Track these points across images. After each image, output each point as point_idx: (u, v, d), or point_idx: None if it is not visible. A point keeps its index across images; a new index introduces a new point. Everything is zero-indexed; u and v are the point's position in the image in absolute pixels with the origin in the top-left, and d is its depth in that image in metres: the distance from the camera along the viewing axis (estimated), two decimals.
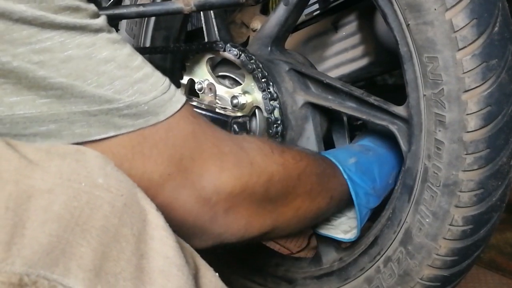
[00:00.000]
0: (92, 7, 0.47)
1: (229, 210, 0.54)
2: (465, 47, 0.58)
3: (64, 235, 0.35)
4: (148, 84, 0.48)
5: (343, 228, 0.77)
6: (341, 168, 0.71)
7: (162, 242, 0.40)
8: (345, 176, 0.71)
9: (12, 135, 0.42)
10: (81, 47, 0.44)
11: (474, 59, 0.58)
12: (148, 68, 0.49)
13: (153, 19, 1.02)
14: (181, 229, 0.50)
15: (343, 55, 1.02)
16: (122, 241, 0.38)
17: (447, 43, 0.59)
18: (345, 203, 0.74)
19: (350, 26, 1.00)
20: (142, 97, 0.47)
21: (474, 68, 0.58)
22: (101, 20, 0.47)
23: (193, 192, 0.50)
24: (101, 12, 0.72)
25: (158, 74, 0.50)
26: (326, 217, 0.76)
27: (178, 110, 0.50)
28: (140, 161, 0.46)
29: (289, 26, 0.86)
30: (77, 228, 0.36)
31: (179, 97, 0.51)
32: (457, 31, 0.58)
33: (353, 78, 1.00)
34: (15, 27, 0.41)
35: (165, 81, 0.50)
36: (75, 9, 0.44)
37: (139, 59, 0.49)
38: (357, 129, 1.00)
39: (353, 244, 0.81)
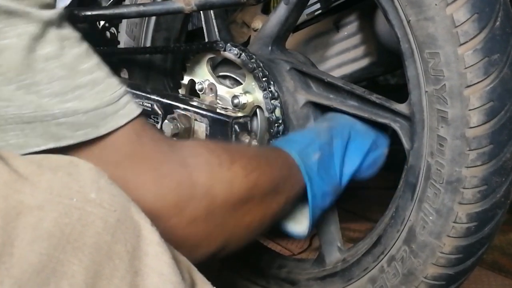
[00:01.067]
0: None
1: (167, 239, 0.50)
2: (466, 42, 0.58)
3: (55, 254, 0.34)
4: (92, 92, 0.44)
5: (296, 216, 0.73)
6: (302, 168, 0.68)
7: (157, 258, 0.39)
8: (306, 178, 0.68)
9: None
10: (23, 37, 0.41)
11: (475, 54, 0.58)
12: (100, 73, 0.46)
13: (153, 20, 1.03)
14: None
15: (344, 55, 1.02)
16: (116, 258, 0.37)
17: (448, 39, 0.59)
18: (301, 197, 0.71)
19: (352, 25, 1.01)
20: (82, 105, 0.43)
21: (476, 63, 0.58)
22: (52, 13, 0.43)
23: None
24: (100, 12, 0.74)
25: (111, 82, 0.46)
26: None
27: (122, 126, 0.46)
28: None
29: (290, 25, 0.87)
30: (68, 246, 0.35)
31: (129, 110, 0.47)
32: (458, 26, 0.58)
33: (355, 78, 1.01)
34: None
35: (118, 91, 0.46)
36: None
37: (91, 62, 0.45)
38: None
39: (356, 244, 0.81)
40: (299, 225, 0.74)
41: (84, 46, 0.46)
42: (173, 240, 0.50)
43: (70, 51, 0.44)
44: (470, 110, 0.60)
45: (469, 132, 0.60)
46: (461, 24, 0.58)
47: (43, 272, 0.33)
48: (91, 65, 0.45)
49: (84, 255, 0.35)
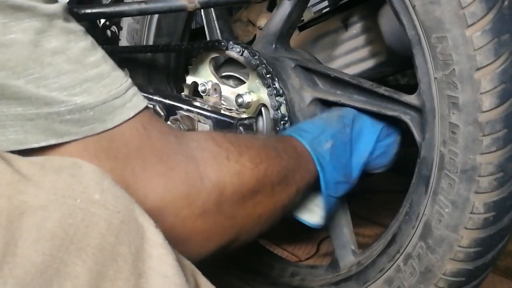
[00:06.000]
0: None
1: (179, 232, 0.52)
2: (474, 23, 0.58)
3: (58, 254, 0.35)
4: (99, 85, 0.46)
5: (310, 206, 0.75)
6: (314, 157, 0.70)
7: (161, 260, 0.40)
8: (318, 168, 0.70)
9: None
10: (28, 32, 0.42)
11: (484, 35, 0.59)
12: (106, 66, 0.47)
13: (154, 25, 1.05)
14: None
15: (353, 54, 1.03)
16: (119, 260, 0.37)
17: (456, 21, 0.60)
18: (313, 186, 0.72)
19: (361, 24, 1.02)
20: (90, 99, 0.45)
21: (485, 44, 0.58)
22: (56, 6, 0.45)
23: None
24: (101, 10, 0.76)
25: (117, 75, 0.48)
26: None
27: (129, 119, 0.48)
28: None
29: (293, 22, 0.88)
30: (71, 247, 0.36)
31: (136, 103, 0.49)
32: (465, 7, 0.58)
33: (364, 78, 1.01)
34: None
35: (123, 84, 0.48)
36: None
37: (97, 55, 0.47)
38: None
39: (370, 245, 0.81)
40: (314, 215, 0.76)
41: (90, 39, 0.48)
42: (184, 233, 0.52)
43: (76, 44, 0.45)
44: (481, 93, 0.60)
45: (481, 116, 0.60)
46: (468, 5, 0.58)
47: (46, 273, 0.34)
48: (97, 58, 0.47)
49: (87, 256, 0.36)
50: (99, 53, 0.48)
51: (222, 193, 0.55)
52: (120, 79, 0.48)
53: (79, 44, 0.46)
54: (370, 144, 0.79)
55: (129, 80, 0.49)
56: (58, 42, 0.44)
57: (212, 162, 0.55)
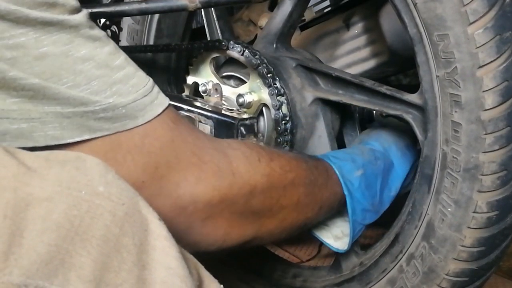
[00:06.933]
0: (72, 1, 0.47)
1: (207, 220, 0.55)
2: (476, 20, 0.59)
3: (63, 245, 0.36)
4: (128, 86, 0.48)
5: (335, 232, 0.78)
6: (342, 182, 0.72)
7: (164, 252, 0.40)
8: (345, 192, 0.72)
9: None
10: (58, 44, 0.45)
11: (486, 33, 0.59)
12: (131, 68, 0.50)
13: (154, 26, 1.06)
14: None
15: (354, 54, 1.03)
16: (123, 251, 0.38)
17: (457, 18, 0.60)
18: (337, 210, 0.75)
19: (363, 23, 1.02)
20: (121, 99, 0.47)
21: (487, 42, 0.58)
22: (81, 16, 0.47)
23: (168, 201, 0.51)
24: (101, 10, 0.76)
25: (141, 75, 0.51)
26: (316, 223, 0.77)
27: (159, 115, 0.50)
28: (113, 167, 0.45)
29: (294, 21, 0.88)
30: (76, 238, 0.36)
31: (162, 100, 0.51)
32: (467, 4, 0.58)
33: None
34: None
35: (148, 82, 0.51)
36: (51, 5, 0.45)
37: (121, 58, 0.49)
38: None
39: (373, 246, 0.81)
40: (340, 240, 0.78)
41: (112, 43, 0.50)
42: (210, 222, 0.55)
43: (102, 50, 0.48)
44: (484, 91, 0.60)
45: (484, 114, 0.60)
46: (470, 2, 0.58)
47: (51, 263, 0.35)
48: (122, 61, 0.49)
49: (92, 247, 0.37)
50: (123, 56, 0.50)
51: (252, 190, 0.58)
52: (144, 78, 0.51)
53: (105, 49, 0.48)
54: (401, 179, 0.81)
55: (151, 79, 0.52)
56: (86, 49, 0.47)
57: (244, 160, 0.59)
